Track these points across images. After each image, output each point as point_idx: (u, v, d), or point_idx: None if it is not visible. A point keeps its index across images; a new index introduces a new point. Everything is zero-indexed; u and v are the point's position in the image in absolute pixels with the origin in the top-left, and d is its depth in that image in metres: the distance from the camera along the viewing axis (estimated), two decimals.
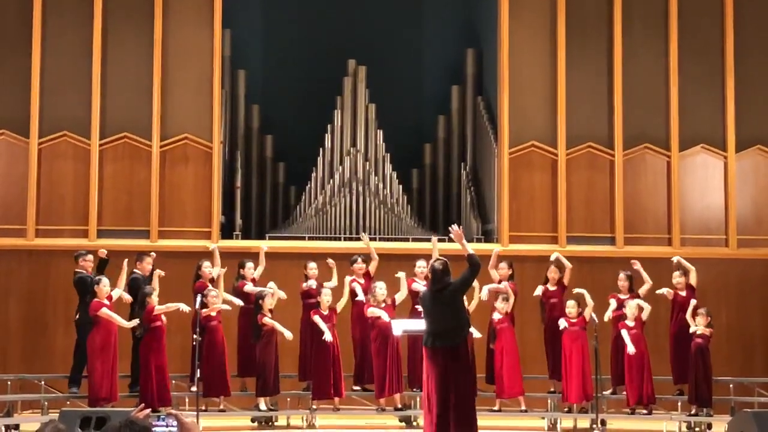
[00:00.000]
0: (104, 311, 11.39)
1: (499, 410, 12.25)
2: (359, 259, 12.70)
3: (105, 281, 11.62)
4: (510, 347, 12.19)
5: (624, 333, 12.06)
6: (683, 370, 12.18)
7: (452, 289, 9.37)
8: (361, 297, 12.35)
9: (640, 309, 12.12)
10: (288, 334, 11.91)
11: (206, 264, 12.37)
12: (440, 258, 9.75)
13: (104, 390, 11.30)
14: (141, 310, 11.57)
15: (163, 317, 11.58)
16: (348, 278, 12.51)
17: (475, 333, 11.22)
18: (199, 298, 11.53)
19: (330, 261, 12.64)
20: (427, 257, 12.54)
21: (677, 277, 12.45)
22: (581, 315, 12.08)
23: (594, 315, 11.66)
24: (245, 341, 12.30)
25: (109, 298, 11.58)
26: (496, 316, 12.23)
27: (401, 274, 12.30)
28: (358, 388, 12.56)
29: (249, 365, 12.24)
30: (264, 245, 12.89)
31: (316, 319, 12.01)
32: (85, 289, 11.83)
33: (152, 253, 12.47)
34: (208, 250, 12.86)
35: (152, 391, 11.35)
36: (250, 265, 12.51)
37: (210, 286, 12.06)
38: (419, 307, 10.29)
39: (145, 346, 11.57)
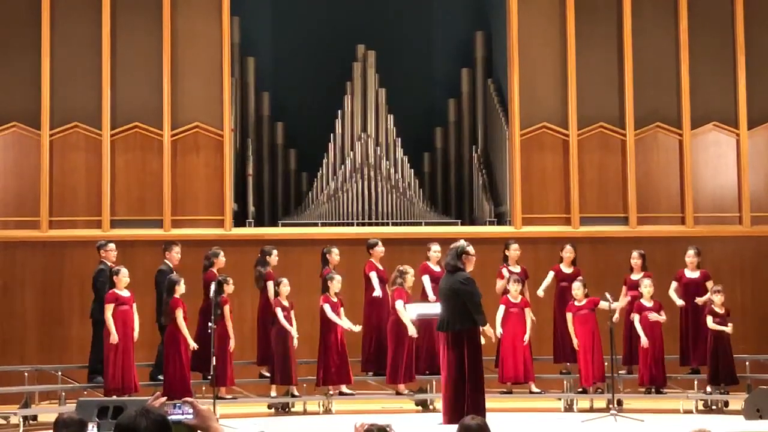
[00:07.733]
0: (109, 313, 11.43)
1: (510, 392, 12.23)
2: (379, 242, 12.64)
3: (124, 272, 11.66)
4: (516, 332, 12.11)
5: (636, 320, 12.04)
6: (694, 351, 12.18)
7: (461, 288, 9.65)
8: (378, 292, 12.27)
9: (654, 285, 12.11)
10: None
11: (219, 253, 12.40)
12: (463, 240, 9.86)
13: (118, 381, 11.32)
14: (168, 298, 11.62)
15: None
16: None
17: (489, 330, 10.24)
18: (213, 286, 11.56)
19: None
20: (440, 240, 12.58)
21: (691, 257, 12.42)
22: (588, 297, 12.05)
23: (608, 294, 11.62)
24: (264, 329, 12.36)
25: (131, 294, 11.65)
26: (510, 298, 12.21)
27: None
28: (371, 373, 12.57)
29: (266, 353, 12.32)
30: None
31: (327, 309, 12.01)
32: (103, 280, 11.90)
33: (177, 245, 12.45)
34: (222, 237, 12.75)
35: (176, 383, 11.32)
36: (275, 252, 12.49)
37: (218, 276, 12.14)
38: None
39: (169, 338, 11.59)
